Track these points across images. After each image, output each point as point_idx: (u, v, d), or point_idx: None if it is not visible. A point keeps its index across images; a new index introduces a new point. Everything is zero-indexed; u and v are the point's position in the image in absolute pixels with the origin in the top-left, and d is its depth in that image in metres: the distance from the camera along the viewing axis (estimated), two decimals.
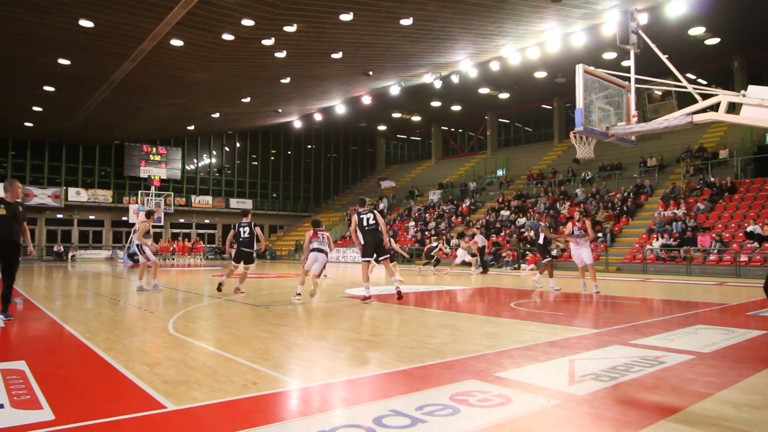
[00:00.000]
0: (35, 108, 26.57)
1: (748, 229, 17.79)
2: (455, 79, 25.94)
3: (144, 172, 37.13)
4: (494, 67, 24.27)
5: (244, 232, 10.63)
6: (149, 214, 11.77)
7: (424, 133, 45.17)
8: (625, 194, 24.10)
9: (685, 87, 6.15)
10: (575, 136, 7.40)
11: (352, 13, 17.37)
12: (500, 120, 39.14)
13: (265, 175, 43.89)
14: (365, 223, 8.99)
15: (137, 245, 11.51)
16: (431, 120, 40.84)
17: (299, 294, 9.28)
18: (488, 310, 8.18)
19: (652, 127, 6.62)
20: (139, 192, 33.85)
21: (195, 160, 40.97)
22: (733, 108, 5.78)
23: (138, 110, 27.89)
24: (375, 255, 8.96)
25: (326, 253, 9.68)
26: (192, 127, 35.90)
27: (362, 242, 9.05)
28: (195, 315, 7.66)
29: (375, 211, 9.15)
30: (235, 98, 28.26)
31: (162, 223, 34.79)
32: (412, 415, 3.16)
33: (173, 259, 30.10)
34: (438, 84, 26.41)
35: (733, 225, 19.07)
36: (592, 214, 24.06)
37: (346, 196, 45.24)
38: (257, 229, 10.75)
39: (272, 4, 16.24)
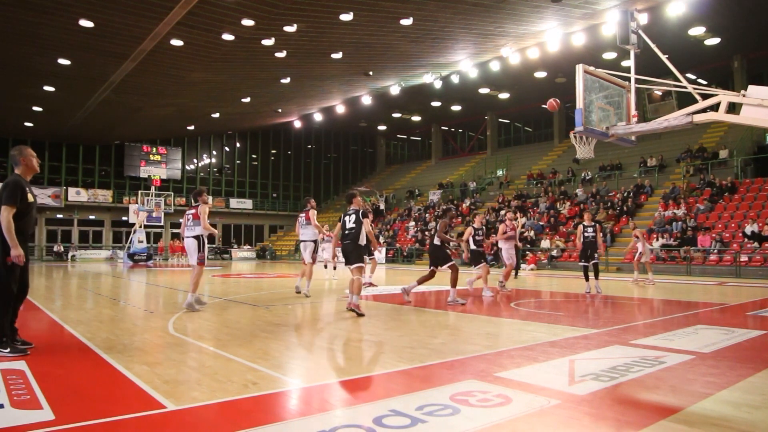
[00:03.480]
0: (35, 108, 26.56)
1: (748, 229, 17.80)
2: (455, 79, 25.94)
3: (144, 172, 37.12)
4: (494, 67, 24.27)
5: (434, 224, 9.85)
6: (201, 194, 8.39)
7: (424, 133, 45.17)
8: (625, 194, 24.10)
9: (685, 87, 6.14)
10: (575, 136, 7.40)
11: (352, 13, 17.36)
12: (500, 120, 39.14)
13: (265, 175, 43.88)
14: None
15: (197, 238, 7.91)
16: (431, 120, 40.83)
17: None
18: (488, 310, 8.18)
19: (652, 127, 6.61)
20: (139, 192, 33.84)
21: (195, 160, 40.96)
22: (733, 108, 5.77)
23: (138, 110, 27.89)
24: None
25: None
26: (192, 127, 35.89)
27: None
28: (195, 315, 7.66)
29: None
30: (235, 98, 28.26)
31: (162, 223, 34.80)
32: (412, 415, 3.15)
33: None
34: (438, 84, 26.41)
35: (733, 225, 19.07)
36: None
37: None
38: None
39: (272, 4, 16.23)
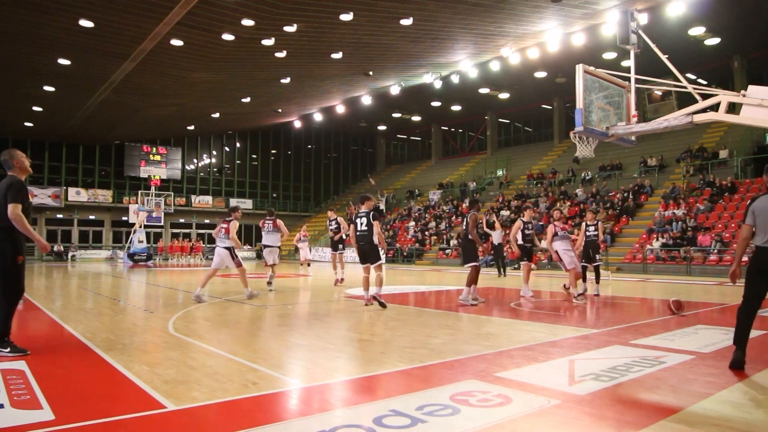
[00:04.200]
0: (35, 108, 26.55)
1: None
2: (455, 79, 25.93)
3: (144, 172, 37.11)
4: (494, 67, 24.26)
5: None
6: (235, 210, 9.87)
7: (424, 133, 45.15)
8: (625, 194, 24.09)
9: (685, 87, 6.15)
10: (575, 135, 7.40)
11: (352, 13, 17.36)
12: (500, 120, 39.12)
13: (265, 175, 43.86)
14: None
15: (228, 249, 9.43)
16: (431, 120, 40.82)
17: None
18: (488, 310, 8.17)
19: (652, 127, 6.62)
20: (139, 192, 33.85)
21: (195, 160, 40.94)
22: (733, 108, 5.78)
23: (138, 110, 27.88)
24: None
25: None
26: (192, 127, 35.88)
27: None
28: (195, 315, 7.66)
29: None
30: (235, 98, 28.25)
31: (162, 223, 34.80)
32: (412, 415, 3.15)
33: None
34: (438, 84, 26.40)
35: (733, 225, 19.05)
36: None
37: (346, 196, 45.25)
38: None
39: (272, 4, 16.23)
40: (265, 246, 11.57)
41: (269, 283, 11.25)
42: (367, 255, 8.38)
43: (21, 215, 4.75)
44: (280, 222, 11.39)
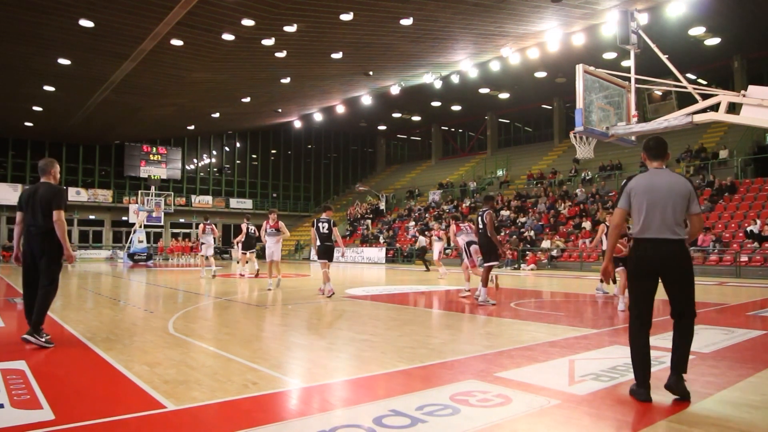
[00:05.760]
0: (35, 108, 26.56)
1: (748, 228, 17.80)
2: (455, 79, 25.94)
3: (144, 172, 37.11)
4: (494, 67, 24.27)
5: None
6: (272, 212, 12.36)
7: (424, 133, 45.16)
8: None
9: (685, 87, 6.15)
10: (575, 136, 7.41)
11: (352, 13, 17.37)
12: (500, 120, 39.13)
13: (265, 175, 43.86)
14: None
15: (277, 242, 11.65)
16: (431, 120, 40.82)
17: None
18: (488, 310, 8.17)
19: (652, 127, 6.63)
20: (139, 192, 33.84)
21: (195, 160, 40.94)
22: (733, 108, 5.78)
23: (138, 110, 27.89)
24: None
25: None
26: (192, 127, 35.88)
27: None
28: (195, 315, 7.66)
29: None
30: (235, 98, 28.25)
31: (162, 223, 34.80)
32: (412, 415, 3.16)
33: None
34: (438, 84, 26.40)
35: (733, 225, 19.06)
36: (592, 214, 24.06)
37: (346, 196, 45.27)
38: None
39: (272, 4, 16.24)
40: (203, 244, 16.51)
41: (213, 276, 15.67)
42: (329, 254, 10.19)
43: (65, 222, 5.27)
44: (215, 227, 16.67)
